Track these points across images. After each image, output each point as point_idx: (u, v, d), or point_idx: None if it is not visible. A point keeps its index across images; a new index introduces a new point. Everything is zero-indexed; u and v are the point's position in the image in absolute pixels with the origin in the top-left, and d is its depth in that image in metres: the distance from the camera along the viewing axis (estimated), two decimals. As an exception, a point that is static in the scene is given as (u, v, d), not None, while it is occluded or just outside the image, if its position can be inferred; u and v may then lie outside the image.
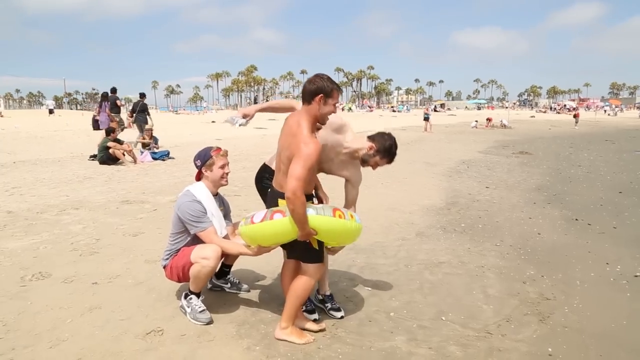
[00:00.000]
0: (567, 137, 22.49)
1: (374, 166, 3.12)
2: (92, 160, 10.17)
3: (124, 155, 9.80)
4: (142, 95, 14.07)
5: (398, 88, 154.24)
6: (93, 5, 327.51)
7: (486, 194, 7.70)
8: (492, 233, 5.36)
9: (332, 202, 3.12)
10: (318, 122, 2.67)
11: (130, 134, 13.79)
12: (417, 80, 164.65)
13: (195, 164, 3.24)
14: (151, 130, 11.58)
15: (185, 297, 3.12)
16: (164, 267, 3.23)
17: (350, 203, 3.27)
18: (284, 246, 2.90)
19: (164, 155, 10.73)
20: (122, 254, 4.26)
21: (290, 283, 2.88)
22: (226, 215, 3.39)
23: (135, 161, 10.08)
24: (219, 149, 3.22)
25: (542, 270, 4.14)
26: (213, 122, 30.74)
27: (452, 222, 5.86)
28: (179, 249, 3.16)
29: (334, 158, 3.07)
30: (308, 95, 2.60)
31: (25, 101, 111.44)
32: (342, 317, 3.14)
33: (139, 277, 3.73)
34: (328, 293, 3.29)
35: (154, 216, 5.61)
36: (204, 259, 2.94)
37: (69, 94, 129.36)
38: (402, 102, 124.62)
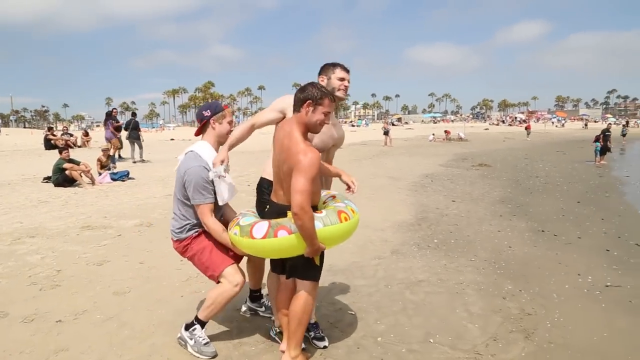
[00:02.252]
0: (521, 149, 23.48)
1: (342, 86, 2.95)
2: (46, 182, 9.60)
3: (81, 176, 9.31)
4: (134, 114, 15.66)
5: (355, 103, 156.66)
6: (44, 20, 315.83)
7: (453, 208, 7.82)
8: (465, 248, 5.41)
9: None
10: (309, 131, 2.59)
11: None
12: (373, 95, 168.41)
13: (202, 115, 2.96)
14: (108, 149, 11.10)
15: (187, 329, 2.90)
16: (176, 241, 2.94)
17: (331, 161, 3.23)
18: (281, 267, 2.78)
19: (124, 176, 10.29)
20: (87, 285, 3.97)
21: (288, 305, 2.76)
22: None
23: (93, 182, 9.60)
24: (227, 105, 3.02)
25: (518, 284, 4.19)
26: (172, 139, 30.02)
27: (425, 238, 5.89)
28: (196, 226, 2.91)
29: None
30: (298, 103, 2.54)
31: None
32: (325, 347, 3.02)
33: (108, 311, 3.47)
34: (313, 321, 3.17)
35: (118, 242, 5.31)
36: (235, 285, 2.74)
37: (17, 112, 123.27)
38: (360, 116, 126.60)
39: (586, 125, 53.41)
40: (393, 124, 63.57)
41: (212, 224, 2.83)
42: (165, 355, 2.87)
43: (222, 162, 2.86)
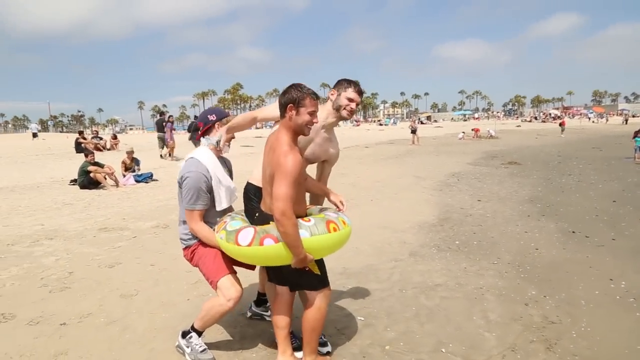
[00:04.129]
0: (554, 146, 22.60)
1: (349, 107, 2.81)
2: (73, 184, 9.81)
3: (105, 178, 9.46)
4: (196, 117, 16.02)
5: (384, 102, 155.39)
6: (81, 28, 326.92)
7: (479, 208, 7.51)
8: (488, 250, 5.15)
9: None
10: (299, 134, 2.48)
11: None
12: (402, 94, 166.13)
13: (207, 119, 2.91)
14: (132, 152, 11.27)
15: (184, 336, 2.83)
16: (184, 248, 2.90)
17: (325, 180, 3.12)
18: (278, 277, 2.67)
19: (147, 178, 10.41)
20: (96, 288, 3.95)
21: (286, 316, 2.69)
22: (230, 176, 3.06)
23: (117, 184, 9.75)
24: (229, 114, 2.97)
25: (543, 289, 3.92)
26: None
27: (446, 239, 5.65)
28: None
29: (315, 138, 2.86)
30: (281, 109, 2.45)
31: (10, 125, 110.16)
32: (328, 353, 2.89)
33: (113, 314, 3.43)
34: None
35: (132, 244, 5.31)
36: (228, 299, 2.64)
37: (55, 117, 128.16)
38: (389, 115, 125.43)
39: (626, 121, 50.78)
40: (422, 122, 62.83)
41: (200, 229, 2.76)
42: (173, 357, 2.79)
43: (219, 135, 2.83)
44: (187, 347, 2.79)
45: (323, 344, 2.92)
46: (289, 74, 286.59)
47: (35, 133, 31.00)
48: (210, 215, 2.83)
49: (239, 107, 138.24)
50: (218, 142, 2.80)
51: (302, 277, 2.52)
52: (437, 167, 13.76)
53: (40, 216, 6.85)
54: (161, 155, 16.21)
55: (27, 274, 4.28)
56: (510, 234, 5.81)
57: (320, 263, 2.55)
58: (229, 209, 3.02)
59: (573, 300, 3.68)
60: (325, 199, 2.99)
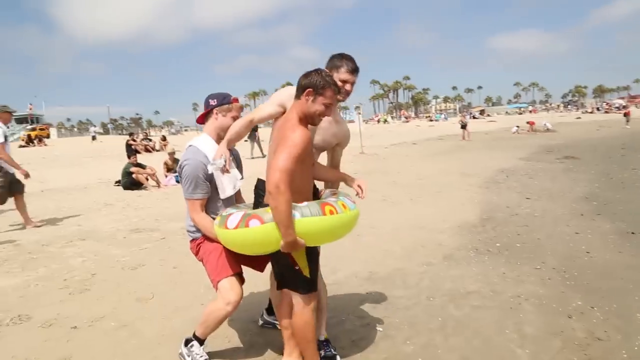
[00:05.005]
0: (618, 138, 20.93)
1: (344, 90, 2.57)
2: (117, 185, 10.13)
3: (147, 179, 9.69)
4: None
5: (436, 97, 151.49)
6: (139, 36, 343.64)
7: (526, 206, 6.96)
8: (532, 253, 4.69)
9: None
10: (308, 122, 2.32)
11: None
12: (454, 88, 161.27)
13: (208, 103, 2.79)
14: (174, 153, 11.50)
15: (186, 344, 2.71)
16: (191, 241, 2.82)
17: (337, 164, 2.91)
18: (274, 275, 2.53)
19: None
20: (114, 291, 3.93)
21: (289, 316, 2.51)
22: (237, 167, 2.93)
23: (158, 185, 9.96)
24: (237, 99, 2.81)
25: (591, 299, 3.47)
26: (245, 141, 30.96)
27: (487, 241, 5.22)
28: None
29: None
30: (299, 90, 2.31)
31: (75, 129, 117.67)
32: None
33: (125, 318, 3.37)
34: (322, 338, 2.80)
35: (159, 246, 5.30)
36: (227, 303, 2.51)
37: (114, 120, 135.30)
38: (441, 110, 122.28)
39: None
40: (474, 117, 60.71)
41: (200, 219, 2.63)
42: None
43: (222, 156, 2.62)
44: (188, 356, 2.67)
45: (331, 358, 2.69)
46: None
47: (94, 136, 32.74)
48: (215, 205, 2.71)
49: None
50: (224, 164, 2.59)
51: (289, 273, 2.32)
52: (486, 163, 13.07)
53: (80, 216, 7.06)
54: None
55: (53, 275, 4.34)
56: (559, 236, 5.29)
57: (313, 266, 2.33)
58: (241, 202, 2.90)
59: (626, 314, 3.21)
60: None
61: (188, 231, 2.81)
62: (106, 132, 75.42)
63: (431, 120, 64.98)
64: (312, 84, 2.24)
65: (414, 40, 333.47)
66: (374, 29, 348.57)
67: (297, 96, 2.31)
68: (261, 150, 17.38)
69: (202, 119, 2.85)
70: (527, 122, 30.45)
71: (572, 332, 2.98)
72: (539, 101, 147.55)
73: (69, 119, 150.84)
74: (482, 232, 5.60)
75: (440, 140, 24.53)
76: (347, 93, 2.59)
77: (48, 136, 36.68)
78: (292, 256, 2.28)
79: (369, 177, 11.22)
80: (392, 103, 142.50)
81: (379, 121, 67.08)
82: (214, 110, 2.76)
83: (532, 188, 8.61)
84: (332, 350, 2.75)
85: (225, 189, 2.71)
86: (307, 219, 2.12)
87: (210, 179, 2.65)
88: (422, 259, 4.65)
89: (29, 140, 29.59)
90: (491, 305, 3.47)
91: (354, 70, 2.58)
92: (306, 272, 2.29)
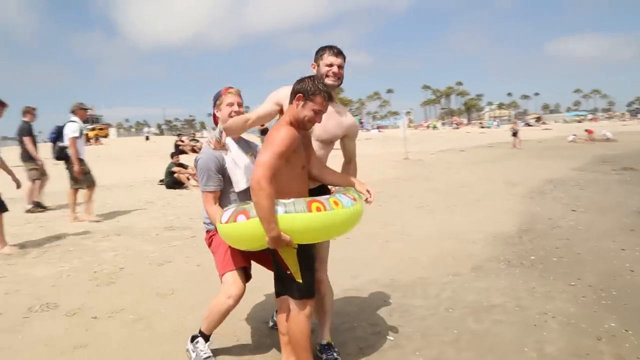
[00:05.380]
0: (688, 150, 19.37)
1: (331, 73, 2.56)
2: (161, 184, 10.52)
3: (188, 179, 10.00)
4: None
5: (489, 103, 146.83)
6: (195, 40, 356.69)
7: (571, 219, 6.56)
8: (568, 268, 4.41)
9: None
10: (299, 127, 2.33)
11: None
12: (509, 94, 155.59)
13: (214, 103, 2.90)
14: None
15: (192, 340, 2.77)
16: (206, 232, 2.91)
17: (350, 156, 2.87)
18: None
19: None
20: (138, 285, 4.07)
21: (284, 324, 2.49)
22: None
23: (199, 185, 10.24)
24: (230, 87, 2.86)
25: (627, 321, 3.20)
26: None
27: (521, 253, 4.96)
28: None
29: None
30: (291, 95, 2.34)
31: (132, 129, 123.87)
32: None
33: (143, 312, 3.48)
34: (324, 342, 2.76)
35: (189, 244, 5.44)
36: (228, 297, 2.57)
37: (169, 121, 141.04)
38: (495, 117, 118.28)
39: None
40: (528, 125, 58.32)
41: (213, 212, 2.67)
42: None
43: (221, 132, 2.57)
44: (193, 352, 2.72)
45: None
46: (390, 76, 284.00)
47: (148, 136, 34.30)
48: (228, 199, 2.76)
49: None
50: (220, 136, 2.60)
51: (284, 279, 2.30)
52: (535, 172, 12.47)
53: (122, 213, 7.37)
54: None
55: (84, 267, 4.56)
56: (602, 251, 4.94)
57: (307, 272, 2.28)
58: None
59: (664, 339, 2.94)
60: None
61: (204, 223, 2.89)
62: (161, 132, 78.73)
63: (482, 127, 63.03)
64: (303, 89, 2.27)
65: (467, 45, 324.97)
66: (426, 34, 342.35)
67: (290, 101, 2.34)
68: None
69: (215, 120, 2.90)
70: (585, 131, 28.81)
71: (599, 355, 2.77)
72: (601, 109, 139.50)
73: (127, 120, 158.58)
74: (517, 244, 5.33)
75: (489, 148, 23.71)
76: (335, 75, 2.57)
77: (106, 136, 38.79)
78: (284, 261, 2.26)
79: (409, 183, 11.01)
80: (443, 109, 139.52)
81: (428, 127, 65.90)
82: (214, 111, 2.85)
83: (581, 200, 8.11)
84: (334, 354, 2.70)
85: (239, 182, 2.73)
86: (291, 215, 2.09)
87: (223, 172, 2.70)
88: (449, 269, 4.48)
89: (87, 140, 31.47)
90: (514, 321, 3.28)
91: (338, 53, 2.57)
92: (298, 277, 2.26)
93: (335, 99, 2.71)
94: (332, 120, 2.62)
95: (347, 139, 2.79)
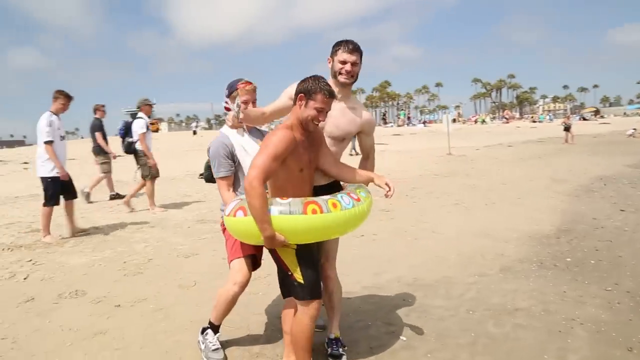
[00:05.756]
0: None
1: (344, 71, 2.50)
2: (201, 178, 10.76)
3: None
4: None
5: (543, 96, 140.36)
6: (244, 36, 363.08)
7: (617, 219, 6.15)
8: (606, 272, 4.14)
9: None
10: (304, 127, 2.31)
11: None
12: (565, 87, 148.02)
13: (225, 94, 2.89)
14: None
15: (202, 332, 2.84)
16: (222, 217, 2.87)
17: (367, 152, 2.82)
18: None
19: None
20: (163, 276, 4.20)
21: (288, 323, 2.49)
22: None
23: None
24: (248, 82, 2.83)
25: (665, 332, 2.96)
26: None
27: (556, 254, 4.71)
28: None
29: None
30: (295, 96, 2.34)
31: (183, 124, 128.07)
32: None
33: (163, 302, 3.59)
34: (332, 336, 2.74)
35: (218, 237, 5.47)
36: (234, 283, 2.64)
37: (218, 116, 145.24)
38: (549, 111, 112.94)
39: None
40: (584, 119, 55.34)
41: (226, 198, 2.72)
42: (179, 354, 2.81)
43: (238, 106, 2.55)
44: (202, 343, 2.78)
45: (337, 357, 2.66)
46: (439, 69, 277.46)
47: (195, 130, 35.34)
48: (241, 185, 2.76)
49: (387, 104, 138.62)
50: (238, 112, 2.51)
51: (288, 281, 2.29)
52: (584, 168, 11.82)
53: (158, 206, 7.62)
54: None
55: (115, 257, 4.76)
56: (647, 255, 4.60)
57: (309, 272, 2.25)
58: None
59: None
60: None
61: (221, 209, 2.92)
62: (210, 127, 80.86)
63: (534, 122, 60.33)
64: (304, 89, 2.26)
65: (520, 36, 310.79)
66: (477, 26, 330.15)
67: (294, 102, 2.33)
68: None
69: (227, 109, 2.90)
70: (647, 125, 26.95)
71: (626, 367, 2.58)
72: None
73: (178, 115, 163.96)
74: (553, 245, 5.06)
75: (539, 143, 22.68)
76: (348, 73, 2.50)
77: (157, 130, 40.26)
78: (283, 261, 2.25)
79: (448, 179, 10.72)
80: (494, 103, 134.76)
81: (476, 121, 63.89)
82: (226, 100, 2.83)
83: (632, 199, 7.60)
84: (340, 349, 2.67)
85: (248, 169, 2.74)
86: (285, 217, 2.08)
87: (233, 158, 2.73)
88: (476, 269, 4.33)
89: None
90: (537, 326, 3.12)
91: (353, 50, 2.49)
92: (299, 278, 2.23)
93: (350, 95, 2.66)
94: (344, 117, 2.57)
95: (363, 135, 2.73)
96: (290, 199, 2.13)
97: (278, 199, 2.13)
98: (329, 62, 2.57)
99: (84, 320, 3.27)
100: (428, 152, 18.07)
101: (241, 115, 2.46)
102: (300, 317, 2.28)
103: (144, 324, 3.22)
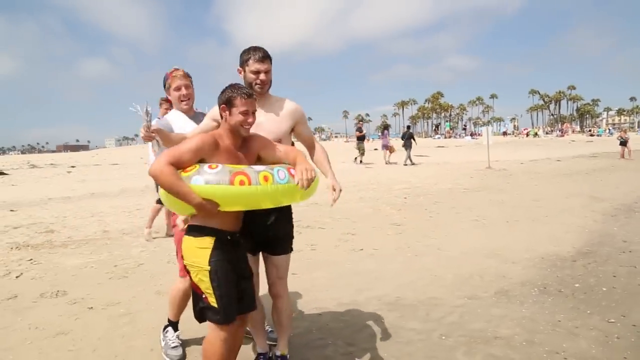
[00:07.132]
0: None
1: (258, 82, 2.45)
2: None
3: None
4: (408, 127, 21.64)
5: (607, 109, 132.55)
6: (301, 47, 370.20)
7: (651, 244, 5.60)
8: (615, 302, 3.73)
9: None
10: (237, 135, 2.28)
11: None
12: (632, 99, 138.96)
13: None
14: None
15: (164, 330, 2.89)
16: None
17: (310, 143, 2.72)
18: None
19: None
20: (146, 281, 4.24)
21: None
22: None
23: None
24: (176, 69, 2.89)
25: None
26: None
27: (565, 279, 4.33)
28: None
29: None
30: (218, 109, 2.32)
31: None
32: None
33: (134, 307, 3.61)
34: (278, 353, 2.63)
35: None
36: (182, 280, 2.77)
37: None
38: (613, 125, 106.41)
39: None
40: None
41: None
42: (137, 357, 2.80)
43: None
44: (163, 340, 2.84)
45: None
46: (495, 80, 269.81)
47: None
48: None
49: (438, 115, 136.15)
50: (148, 121, 2.42)
51: (199, 302, 2.17)
52: (633, 186, 10.92)
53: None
54: (359, 160, 19.66)
55: (108, 260, 4.87)
56: (671, 285, 4.12)
57: (223, 296, 2.11)
58: None
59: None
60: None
61: None
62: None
63: (592, 135, 56.98)
64: (224, 99, 2.25)
65: (583, 46, 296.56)
66: (535, 36, 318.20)
67: (220, 115, 2.30)
68: None
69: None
70: None
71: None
72: None
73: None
74: (566, 268, 4.66)
75: (592, 158, 21.33)
76: (264, 83, 2.44)
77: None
78: (197, 285, 2.13)
79: (477, 194, 10.24)
80: (553, 115, 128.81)
81: (527, 134, 61.25)
82: (166, 93, 2.96)
83: (677, 221, 6.91)
84: None
85: None
86: (211, 186, 2.04)
87: None
88: (469, 291, 4.05)
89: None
90: (513, 358, 2.84)
91: (264, 58, 2.43)
92: (212, 301, 2.11)
93: (270, 98, 2.58)
94: (272, 121, 2.52)
95: (297, 127, 2.64)
96: (220, 167, 2.09)
97: (206, 168, 2.08)
98: (240, 73, 2.52)
99: (53, 320, 3.35)
100: (467, 166, 17.44)
101: (153, 126, 2.41)
102: (212, 340, 2.15)
103: (106, 327, 3.25)
